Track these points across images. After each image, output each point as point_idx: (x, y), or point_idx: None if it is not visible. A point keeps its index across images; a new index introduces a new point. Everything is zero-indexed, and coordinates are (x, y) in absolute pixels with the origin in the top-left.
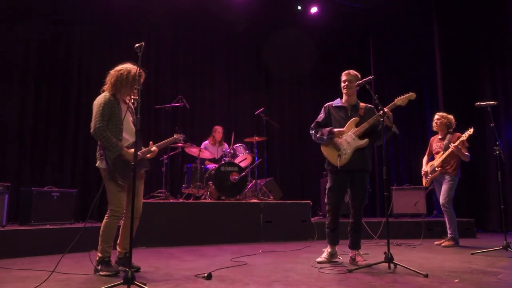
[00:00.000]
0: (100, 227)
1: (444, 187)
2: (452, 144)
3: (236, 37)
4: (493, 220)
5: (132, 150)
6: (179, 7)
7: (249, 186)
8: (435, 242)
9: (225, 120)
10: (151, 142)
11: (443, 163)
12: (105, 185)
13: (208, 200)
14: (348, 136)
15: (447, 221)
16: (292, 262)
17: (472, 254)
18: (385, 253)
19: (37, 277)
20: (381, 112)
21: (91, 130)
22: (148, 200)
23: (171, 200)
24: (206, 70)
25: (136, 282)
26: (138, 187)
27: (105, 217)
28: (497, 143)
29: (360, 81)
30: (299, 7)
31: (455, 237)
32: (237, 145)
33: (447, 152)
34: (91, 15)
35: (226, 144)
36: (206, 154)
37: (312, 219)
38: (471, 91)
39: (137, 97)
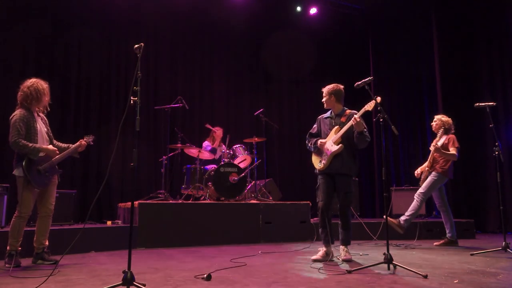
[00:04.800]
0: (98, 228)
1: (427, 180)
2: (433, 145)
3: (235, 38)
4: (492, 221)
5: (51, 146)
6: (179, 7)
7: (249, 187)
8: (435, 243)
9: (224, 121)
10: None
11: (433, 163)
12: (18, 190)
13: (208, 201)
14: (328, 144)
15: (443, 220)
16: (291, 263)
17: (472, 255)
18: (384, 253)
19: (36, 278)
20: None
21: (10, 144)
22: (148, 201)
23: (171, 201)
24: (205, 71)
25: (135, 283)
26: (50, 190)
27: (14, 217)
28: (496, 144)
29: (359, 82)
30: (299, 8)
31: (454, 238)
32: (237, 146)
33: (431, 153)
34: (91, 15)
35: (224, 146)
36: (205, 155)
37: (311, 220)
38: (470, 92)
39: (136, 98)
